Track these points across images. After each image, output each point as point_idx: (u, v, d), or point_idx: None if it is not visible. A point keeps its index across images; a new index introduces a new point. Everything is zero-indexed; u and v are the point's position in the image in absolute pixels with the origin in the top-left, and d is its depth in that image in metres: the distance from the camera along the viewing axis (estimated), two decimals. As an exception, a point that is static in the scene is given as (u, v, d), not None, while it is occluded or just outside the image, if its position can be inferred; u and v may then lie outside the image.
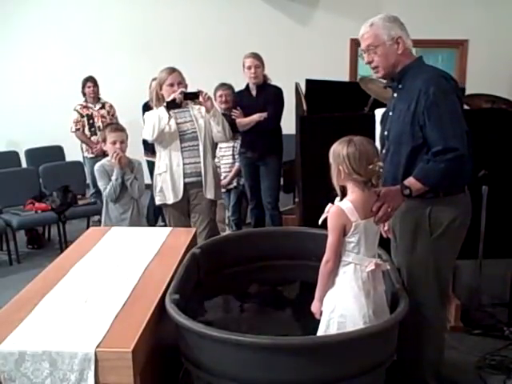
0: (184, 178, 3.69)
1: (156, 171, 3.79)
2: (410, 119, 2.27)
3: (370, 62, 2.40)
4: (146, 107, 5.64)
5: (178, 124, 3.68)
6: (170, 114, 3.58)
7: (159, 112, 3.61)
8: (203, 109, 3.72)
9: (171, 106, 3.57)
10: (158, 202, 3.83)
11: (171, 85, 3.62)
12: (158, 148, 3.77)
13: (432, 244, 2.35)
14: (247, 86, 4.50)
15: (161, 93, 3.69)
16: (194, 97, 3.60)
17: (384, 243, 2.52)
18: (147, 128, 3.64)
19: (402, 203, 2.24)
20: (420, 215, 2.33)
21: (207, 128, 3.73)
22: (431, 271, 2.37)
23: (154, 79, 5.52)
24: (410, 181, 2.23)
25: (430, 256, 2.36)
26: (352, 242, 2.10)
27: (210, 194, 3.76)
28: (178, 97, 3.55)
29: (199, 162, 3.71)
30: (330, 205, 2.16)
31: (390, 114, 2.44)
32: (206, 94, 3.62)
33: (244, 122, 4.41)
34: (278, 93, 4.41)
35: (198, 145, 3.70)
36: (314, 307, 2.19)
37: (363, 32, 2.38)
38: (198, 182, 3.73)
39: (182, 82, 3.66)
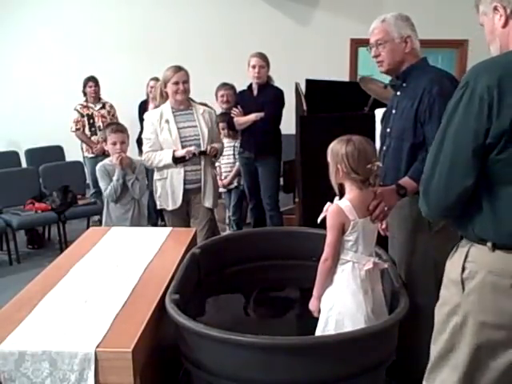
0: (185, 184, 3.66)
1: (156, 176, 3.76)
2: (412, 116, 2.32)
3: (376, 56, 2.47)
4: (143, 106, 5.66)
5: (179, 129, 3.64)
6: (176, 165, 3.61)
7: (164, 154, 3.60)
8: (207, 114, 3.74)
9: (179, 161, 3.60)
10: (159, 206, 3.82)
11: (176, 83, 3.60)
12: None
13: (431, 238, 2.38)
14: (250, 85, 4.50)
15: (165, 90, 3.67)
16: (201, 154, 3.64)
17: (383, 243, 2.53)
18: (147, 154, 3.67)
19: (396, 203, 2.27)
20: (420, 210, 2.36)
21: (210, 135, 3.71)
22: (430, 265, 2.39)
23: (153, 79, 5.55)
24: (405, 181, 2.28)
25: (428, 250, 2.39)
26: (350, 241, 2.12)
27: (207, 203, 3.75)
28: (187, 155, 3.57)
29: (200, 170, 3.69)
30: (328, 203, 2.18)
31: (393, 111, 2.47)
32: (212, 149, 3.67)
33: (241, 120, 4.41)
34: (278, 94, 4.41)
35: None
36: (312, 305, 2.20)
37: (374, 26, 2.44)
38: (198, 187, 3.72)
39: (187, 81, 3.64)
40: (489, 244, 1.49)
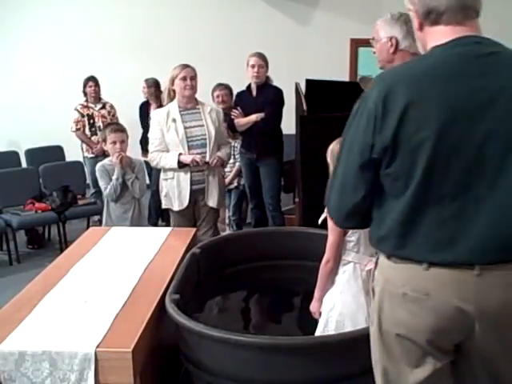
0: (191, 185, 3.64)
1: (162, 176, 3.73)
2: None
3: (374, 52, 2.53)
4: (144, 108, 5.67)
5: (186, 128, 3.61)
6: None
7: (170, 158, 3.57)
8: (214, 113, 3.73)
9: (183, 166, 3.58)
10: (164, 206, 3.79)
11: (184, 78, 3.56)
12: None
13: None
14: (249, 85, 4.49)
15: (172, 88, 3.64)
16: (205, 164, 3.62)
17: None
18: (153, 154, 3.65)
19: None
20: None
21: (217, 135, 3.69)
22: None
23: (146, 79, 5.56)
24: None
25: None
26: (352, 241, 2.11)
27: (212, 202, 3.71)
28: (191, 164, 3.55)
29: (205, 169, 3.67)
30: None
31: None
32: (215, 160, 3.65)
33: (242, 122, 4.40)
34: (277, 94, 4.40)
35: (205, 152, 3.64)
36: (313, 307, 2.20)
37: (374, 25, 2.49)
38: (204, 188, 3.70)
39: (194, 77, 3.62)
40: (384, 253, 1.48)
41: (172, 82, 3.63)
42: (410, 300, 1.41)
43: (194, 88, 3.63)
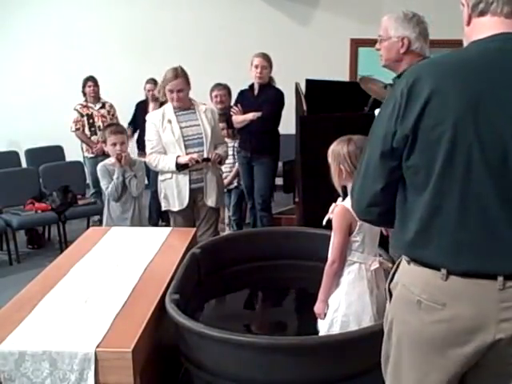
0: (190, 184, 3.63)
1: (160, 177, 3.73)
2: None
3: (378, 49, 2.51)
4: (141, 106, 5.66)
5: (181, 128, 3.60)
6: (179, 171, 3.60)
7: (168, 160, 3.57)
8: (209, 112, 3.72)
9: (183, 167, 3.58)
10: (164, 207, 3.78)
11: (171, 91, 3.56)
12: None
13: None
14: (252, 84, 4.51)
15: (164, 92, 3.63)
16: (204, 161, 3.61)
17: (383, 242, 2.52)
18: (151, 156, 3.63)
19: None
20: None
21: (213, 133, 3.68)
22: None
23: (149, 81, 5.54)
24: None
25: None
26: (357, 241, 2.10)
27: (210, 201, 3.71)
28: (190, 163, 3.54)
29: (203, 168, 3.66)
30: (333, 205, 2.16)
31: None
32: (215, 156, 3.66)
33: (239, 119, 4.42)
34: (277, 95, 4.41)
35: (203, 150, 3.63)
36: (318, 308, 2.18)
37: (382, 21, 2.49)
38: (203, 187, 3.69)
39: (182, 90, 3.57)
40: (405, 257, 1.42)
41: (163, 86, 3.61)
42: (424, 308, 1.34)
43: (181, 99, 3.60)
